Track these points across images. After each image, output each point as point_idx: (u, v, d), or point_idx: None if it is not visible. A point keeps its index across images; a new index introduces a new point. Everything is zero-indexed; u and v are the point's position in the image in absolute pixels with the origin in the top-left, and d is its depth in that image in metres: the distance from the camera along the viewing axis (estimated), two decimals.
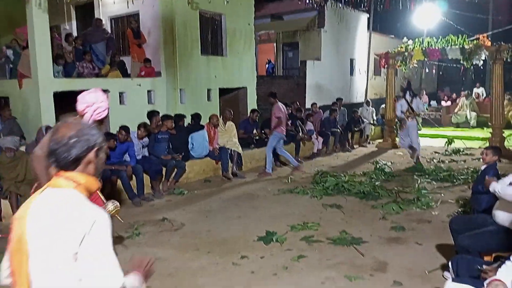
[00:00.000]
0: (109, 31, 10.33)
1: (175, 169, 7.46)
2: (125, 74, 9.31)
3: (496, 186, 3.64)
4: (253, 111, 9.77)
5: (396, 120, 10.65)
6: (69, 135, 1.49)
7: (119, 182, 6.59)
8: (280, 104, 8.61)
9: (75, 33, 10.77)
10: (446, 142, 11.01)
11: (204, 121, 8.60)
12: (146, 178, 7.02)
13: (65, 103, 7.80)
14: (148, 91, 9.04)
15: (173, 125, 7.63)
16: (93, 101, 3.25)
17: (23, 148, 6.09)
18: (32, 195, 1.52)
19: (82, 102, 3.31)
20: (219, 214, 6.03)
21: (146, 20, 9.74)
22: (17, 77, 7.64)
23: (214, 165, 8.42)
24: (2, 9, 12.26)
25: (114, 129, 7.85)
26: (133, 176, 6.76)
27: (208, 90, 10.25)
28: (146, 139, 7.24)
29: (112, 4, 10.09)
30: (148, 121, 7.45)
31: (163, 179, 7.33)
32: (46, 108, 7.22)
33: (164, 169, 7.27)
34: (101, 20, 9.97)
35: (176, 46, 9.43)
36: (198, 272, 4.12)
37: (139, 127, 7.12)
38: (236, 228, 5.39)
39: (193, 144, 8.10)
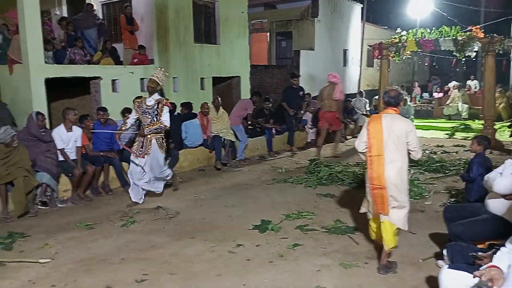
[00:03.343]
0: (101, 16, 10.16)
1: (168, 158, 7.42)
2: (117, 61, 9.19)
3: (488, 175, 3.70)
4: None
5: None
6: (398, 92, 3.86)
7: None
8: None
9: None
10: (450, 132, 11.80)
11: (196, 109, 8.55)
12: None
13: (55, 89, 7.71)
14: (141, 79, 8.94)
15: None
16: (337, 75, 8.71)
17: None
18: (377, 116, 3.85)
19: (334, 76, 8.63)
20: (213, 202, 6.02)
21: (139, 6, 9.59)
22: (7, 63, 7.48)
23: (208, 154, 8.39)
24: None
25: None
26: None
27: (202, 79, 10.17)
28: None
29: None
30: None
31: None
32: (37, 94, 7.09)
33: None
34: (92, 5, 9.79)
35: (169, 33, 9.31)
36: (194, 259, 4.12)
37: (124, 112, 7.06)
38: (231, 216, 5.40)
39: (186, 133, 8.04)
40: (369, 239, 4.57)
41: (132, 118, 5.96)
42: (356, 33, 17.41)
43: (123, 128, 5.98)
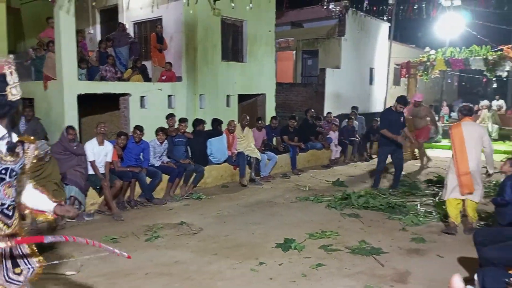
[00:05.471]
0: (132, 35, 10.48)
1: (194, 174, 7.49)
2: (146, 78, 9.42)
3: None
4: (272, 118, 9.85)
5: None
6: (471, 107, 5.70)
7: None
8: None
9: (99, 37, 10.96)
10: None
11: (223, 127, 8.62)
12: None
13: (87, 104, 7.96)
14: (169, 96, 9.13)
15: (187, 126, 7.75)
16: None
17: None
18: (458, 124, 5.50)
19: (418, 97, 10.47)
20: (237, 219, 6.02)
21: (169, 26, 9.85)
22: (42, 79, 7.79)
23: (232, 170, 8.43)
24: (29, 13, 12.56)
25: None
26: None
27: (228, 96, 10.29)
28: (166, 143, 7.30)
29: (135, 9, 10.24)
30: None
31: (181, 183, 7.36)
32: (70, 109, 7.34)
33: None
34: (124, 25, 10.13)
35: (197, 51, 9.50)
36: (216, 276, 4.11)
37: (157, 131, 7.18)
38: (254, 234, 5.38)
39: (211, 149, 8.12)
40: (395, 261, 4.49)
41: None
42: (382, 51, 17.31)
43: None
